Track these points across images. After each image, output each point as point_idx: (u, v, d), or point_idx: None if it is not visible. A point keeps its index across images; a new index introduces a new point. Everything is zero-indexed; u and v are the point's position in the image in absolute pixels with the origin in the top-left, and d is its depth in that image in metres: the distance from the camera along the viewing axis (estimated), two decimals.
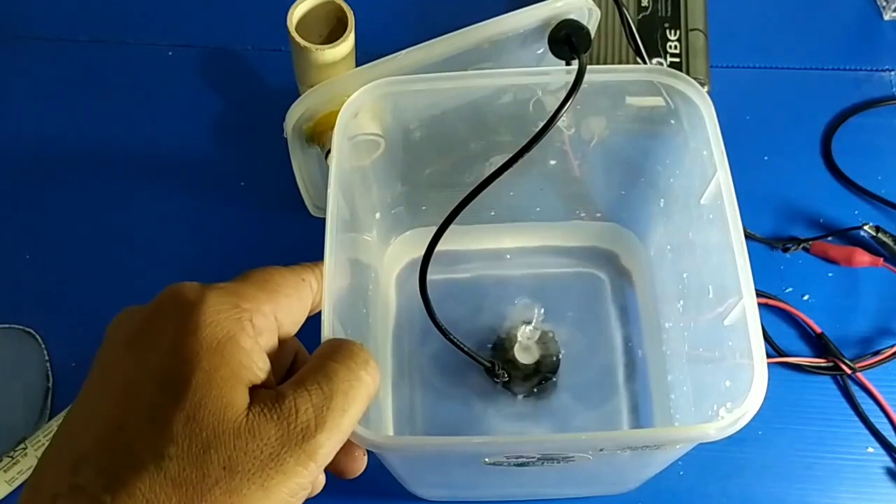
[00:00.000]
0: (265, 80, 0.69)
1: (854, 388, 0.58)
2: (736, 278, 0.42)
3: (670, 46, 0.61)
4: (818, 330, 0.59)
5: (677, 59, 0.61)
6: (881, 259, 0.60)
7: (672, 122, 0.49)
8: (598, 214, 0.60)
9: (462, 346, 0.50)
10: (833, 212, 0.64)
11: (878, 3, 0.73)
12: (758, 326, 0.41)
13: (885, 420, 0.57)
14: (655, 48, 0.61)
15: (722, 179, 0.45)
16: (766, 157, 0.66)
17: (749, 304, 0.42)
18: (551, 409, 0.56)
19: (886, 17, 0.72)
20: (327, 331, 0.40)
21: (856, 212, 0.64)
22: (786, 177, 0.65)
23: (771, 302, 0.60)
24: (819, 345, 0.59)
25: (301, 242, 0.60)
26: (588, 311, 0.59)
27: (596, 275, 0.60)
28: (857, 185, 0.64)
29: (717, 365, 0.46)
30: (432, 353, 0.58)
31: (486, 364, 0.53)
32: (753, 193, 0.63)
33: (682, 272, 0.53)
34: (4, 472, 0.54)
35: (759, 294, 0.59)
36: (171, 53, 0.71)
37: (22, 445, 0.55)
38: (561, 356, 0.56)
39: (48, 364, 0.58)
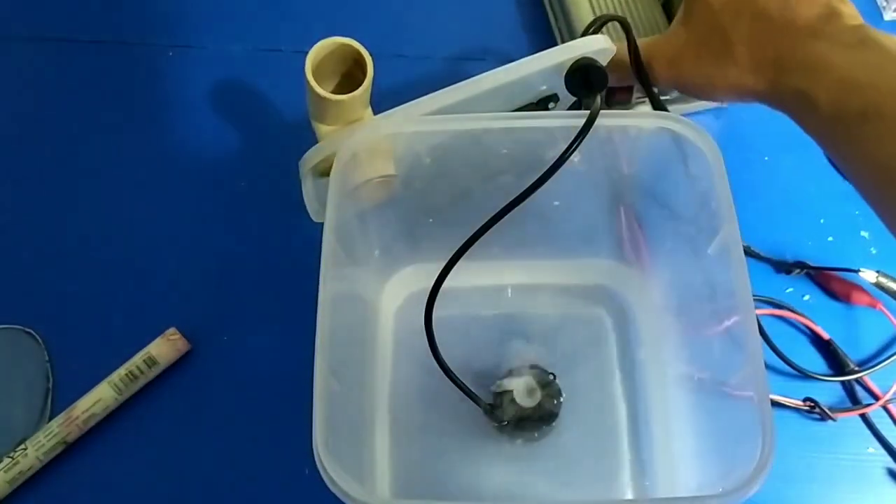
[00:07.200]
0: (266, 80, 0.69)
1: (856, 389, 0.58)
2: (744, 345, 0.42)
3: None
4: (826, 336, 0.59)
5: None
6: (879, 303, 0.59)
7: (679, 166, 0.49)
8: (603, 253, 0.59)
9: (463, 385, 0.49)
10: (834, 210, 0.64)
11: (879, 3, 0.73)
12: (766, 398, 0.40)
13: (885, 420, 0.57)
14: None
15: (730, 235, 0.44)
16: (766, 158, 0.66)
17: (758, 373, 0.41)
18: (551, 453, 0.54)
19: (886, 18, 0.72)
20: (319, 385, 0.40)
21: (856, 212, 0.64)
22: (786, 177, 0.65)
23: (777, 313, 0.59)
24: (828, 351, 0.59)
25: (302, 243, 0.60)
26: (591, 353, 0.57)
27: (599, 314, 0.59)
28: None
29: (722, 426, 0.46)
30: (431, 391, 0.56)
31: (485, 406, 0.53)
32: (754, 193, 0.63)
33: (688, 323, 0.52)
34: (5, 472, 0.54)
35: (764, 302, 0.59)
36: (171, 53, 0.71)
37: (22, 446, 0.55)
38: (562, 399, 0.55)
39: (48, 364, 0.58)
